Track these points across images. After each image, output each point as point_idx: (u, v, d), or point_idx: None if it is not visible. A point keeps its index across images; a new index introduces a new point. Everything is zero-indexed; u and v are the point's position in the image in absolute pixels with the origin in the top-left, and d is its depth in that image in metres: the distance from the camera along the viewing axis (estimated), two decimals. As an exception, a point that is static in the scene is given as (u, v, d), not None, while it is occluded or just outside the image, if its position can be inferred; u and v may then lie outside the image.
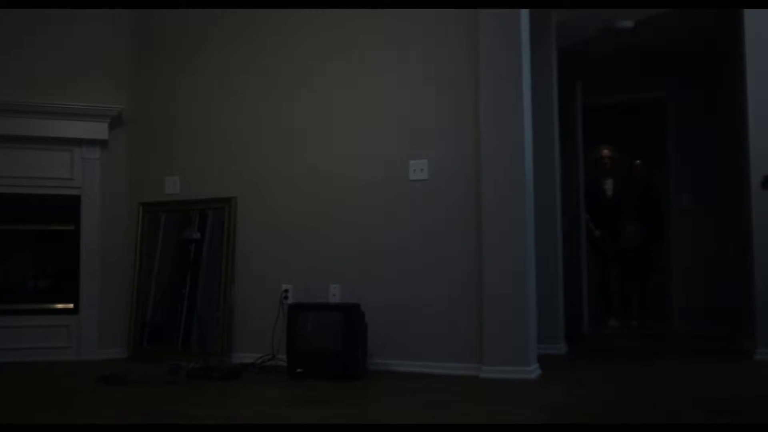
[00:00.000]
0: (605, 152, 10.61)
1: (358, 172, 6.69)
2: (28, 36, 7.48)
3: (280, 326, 6.72)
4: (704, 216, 9.37)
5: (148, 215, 7.53)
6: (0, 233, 7.42)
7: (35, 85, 7.43)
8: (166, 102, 7.62)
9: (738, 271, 8.24)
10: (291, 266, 6.90)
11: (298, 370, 6.11)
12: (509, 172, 6.04)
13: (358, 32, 6.80)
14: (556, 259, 7.59)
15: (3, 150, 7.32)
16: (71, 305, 7.42)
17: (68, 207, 7.44)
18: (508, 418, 4.49)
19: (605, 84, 9.96)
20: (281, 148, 7.04)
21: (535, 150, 6.40)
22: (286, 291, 6.86)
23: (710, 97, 9.43)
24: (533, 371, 5.99)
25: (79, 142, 7.45)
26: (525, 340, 5.96)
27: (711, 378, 5.89)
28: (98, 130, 7.47)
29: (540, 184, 7.08)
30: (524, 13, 6.24)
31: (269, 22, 7.20)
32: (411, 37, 6.58)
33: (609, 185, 10.65)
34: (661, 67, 9.71)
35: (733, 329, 8.60)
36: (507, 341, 5.96)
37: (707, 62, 9.36)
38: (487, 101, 6.16)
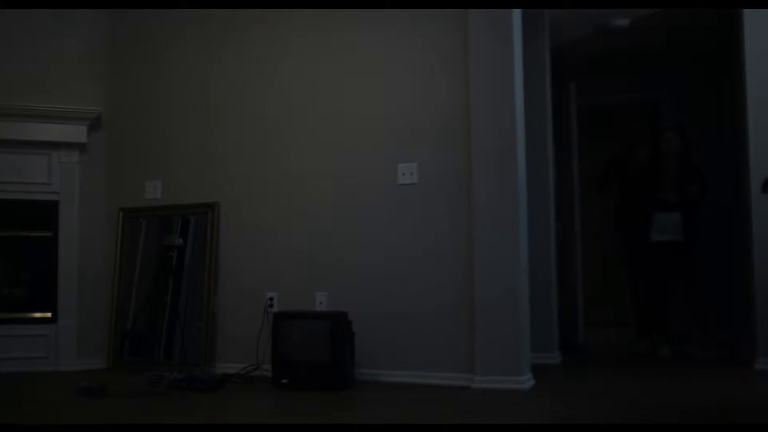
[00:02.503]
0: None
1: (345, 176, 6.72)
2: (0, 36, 7.49)
3: (265, 335, 6.73)
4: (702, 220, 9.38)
5: (128, 221, 7.54)
6: (-25, 240, 7.44)
7: (10, 86, 7.43)
8: (146, 104, 7.64)
9: (738, 276, 8.25)
10: (276, 273, 6.91)
11: (284, 380, 6.13)
12: (501, 176, 6.07)
13: (344, 32, 6.83)
14: (549, 264, 7.60)
15: (-22, 154, 7.35)
16: (49, 314, 7.42)
17: (46, 213, 7.44)
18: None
19: (600, 84, 9.98)
20: (265, 152, 7.07)
21: (528, 152, 6.41)
22: (271, 299, 6.88)
23: (709, 97, 9.46)
24: (526, 381, 6.01)
25: (57, 146, 7.46)
26: (518, 349, 5.97)
27: (710, 389, 5.91)
28: (76, 133, 7.48)
29: (533, 187, 7.08)
30: (516, 13, 6.27)
31: (250, 22, 7.22)
32: (399, 36, 6.61)
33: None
34: (658, 67, 9.74)
35: (734, 337, 8.61)
36: (499, 350, 5.98)
37: (706, 62, 9.39)
38: (478, 102, 6.18)
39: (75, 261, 7.47)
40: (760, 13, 7.03)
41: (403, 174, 6.48)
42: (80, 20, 7.67)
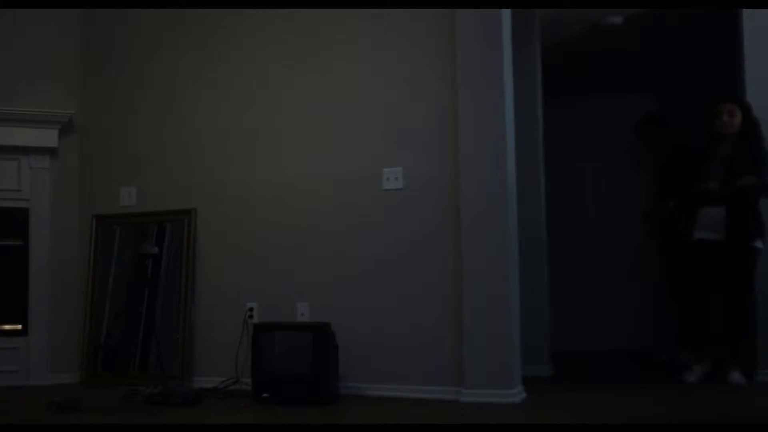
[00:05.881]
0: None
1: (328, 181, 6.75)
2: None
3: (245, 348, 6.73)
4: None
5: (101, 228, 7.55)
6: (-58, 249, 7.43)
7: (-24, 88, 7.46)
8: (120, 107, 7.65)
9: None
10: (256, 283, 6.94)
11: (264, 394, 6.15)
12: (490, 181, 6.11)
13: (327, 34, 6.86)
14: (541, 272, 7.64)
15: (-56, 159, 7.35)
16: (19, 326, 7.41)
17: (16, 220, 7.44)
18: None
19: (595, 84, 10.01)
20: (245, 157, 7.09)
21: (519, 156, 6.43)
22: (251, 309, 6.90)
23: (707, 98, 9.48)
24: (517, 394, 6.02)
25: (27, 151, 7.46)
26: (508, 361, 5.99)
27: (709, 402, 5.94)
28: (47, 137, 7.48)
29: (524, 192, 7.02)
30: (506, 13, 6.30)
31: (231, 24, 7.25)
32: (385, 37, 6.65)
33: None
34: (654, 67, 9.76)
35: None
36: (488, 362, 6.00)
37: (704, 62, 9.42)
38: (466, 105, 6.22)
39: (46, 270, 7.47)
40: (760, 13, 7.08)
41: (388, 179, 6.50)
42: (52, 19, 7.67)
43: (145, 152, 7.49)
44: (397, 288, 6.43)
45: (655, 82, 9.89)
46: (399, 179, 6.46)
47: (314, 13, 6.87)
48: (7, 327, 7.42)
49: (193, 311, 7.12)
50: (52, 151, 7.54)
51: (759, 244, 6.78)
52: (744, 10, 7.15)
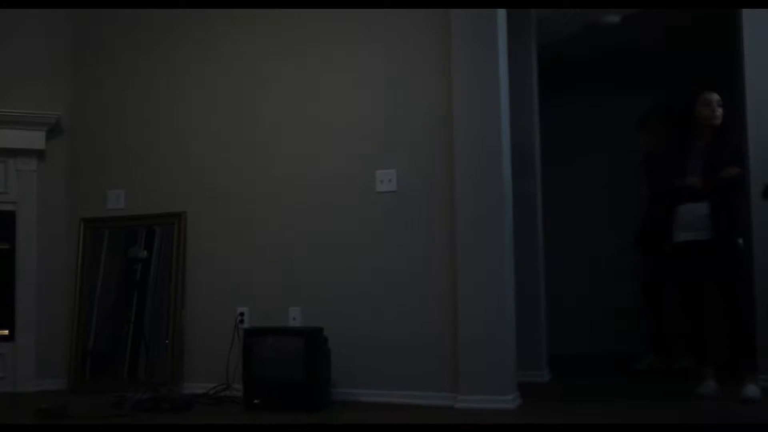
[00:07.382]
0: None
1: (320, 184, 6.74)
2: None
3: (236, 353, 6.73)
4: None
5: (90, 232, 7.54)
6: (-74, 252, 7.42)
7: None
8: (109, 108, 7.64)
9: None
10: (247, 287, 6.94)
11: (256, 400, 6.15)
12: (485, 182, 6.11)
13: (322, 33, 6.87)
14: (538, 276, 7.63)
15: (-72, 161, 7.35)
16: (6, 332, 7.41)
17: (2, 223, 7.44)
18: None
19: (593, 84, 10.01)
20: (235, 159, 7.09)
21: (515, 157, 6.42)
22: (242, 314, 6.89)
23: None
24: (513, 401, 6.02)
25: (14, 153, 7.46)
26: (504, 367, 6.00)
27: (709, 409, 5.92)
28: (34, 139, 7.48)
29: (520, 193, 7.03)
30: (501, 13, 6.31)
31: (221, 23, 7.24)
32: (378, 36, 6.66)
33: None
34: (654, 67, 9.77)
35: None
36: (484, 368, 6.00)
37: (704, 62, 9.43)
38: (460, 106, 6.22)
39: (33, 275, 7.46)
40: (759, 13, 7.08)
41: (381, 181, 6.50)
42: (40, 18, 7.66)
43: (134, 154, 7.48)
44: (392, 292, 6.43)
45: (654, 82, 9.90)
46: (392, 181, 6.46)
47: (310, 14, 6.87)
48: (-7, 332, 7.42)
49: (183, 316, 7.12)
50: (39, 153, 7.54)
51: (740, 241, 6.58)
52: (744, 10, 7.15)
